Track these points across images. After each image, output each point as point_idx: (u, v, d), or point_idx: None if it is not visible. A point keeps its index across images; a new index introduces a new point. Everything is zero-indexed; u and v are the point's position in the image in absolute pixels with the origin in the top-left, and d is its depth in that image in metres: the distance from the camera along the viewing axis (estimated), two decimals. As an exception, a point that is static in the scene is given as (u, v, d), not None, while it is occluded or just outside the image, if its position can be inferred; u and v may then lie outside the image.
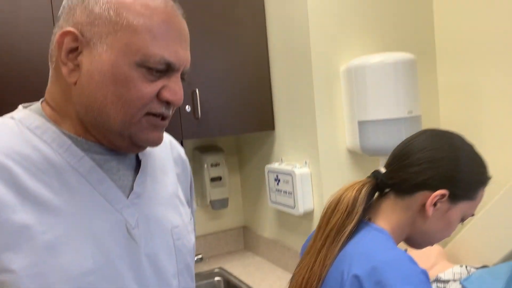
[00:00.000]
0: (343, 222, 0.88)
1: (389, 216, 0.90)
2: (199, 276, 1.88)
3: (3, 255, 0.56)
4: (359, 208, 0.88)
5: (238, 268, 1.92)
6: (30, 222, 0.58)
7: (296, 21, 1.59)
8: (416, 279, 0.77)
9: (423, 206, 0.87)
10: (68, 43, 0.63)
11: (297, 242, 1.74)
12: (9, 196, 0.58)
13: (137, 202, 0.70)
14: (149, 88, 0.64)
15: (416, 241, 0.94)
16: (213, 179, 1.97)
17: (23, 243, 0.57)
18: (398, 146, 0.94)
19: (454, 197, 0.87)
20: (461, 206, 0.89)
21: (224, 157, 2.02)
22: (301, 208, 1.60)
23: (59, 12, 0.67)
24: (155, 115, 0.66)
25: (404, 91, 1.46)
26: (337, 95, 1.57)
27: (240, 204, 2.17)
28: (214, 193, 1.98)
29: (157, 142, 0.69)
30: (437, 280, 1.37)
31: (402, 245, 0.95)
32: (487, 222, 1.44)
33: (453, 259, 1.52)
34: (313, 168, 1.59)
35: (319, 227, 0.92)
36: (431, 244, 0.94)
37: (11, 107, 0.71)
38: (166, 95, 0.65)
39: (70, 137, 0.66)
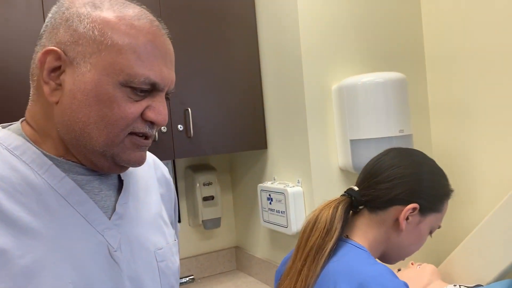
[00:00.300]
0: (322, 240, 0.89)
1: (365, 232, 0.94)
2: (190, 298, 1.85)
3: None
4: (338, 225, 0.90)
5: (230, 289, 1.89)
6: (7, 246, 0.56)
7: (288, 41, 1.61)
8: None
9: (396, 221, 0.92)
10: (50, 61, 0.62)
11: (290, 262, 1.72)
12: None
13: (120, 223, 0.68)
14: (133, 108, 0.63)
15: (390, 256, 0.97)
16: (205, 198, 1.96)
17: None
18: (367, 165, 0.99)
19: (424, 210, 0.92)
20: (430, 219, 0.94)
21: (217, 176, 2.01)
22: (294, 228, 1.59)
23: (42, 30, 0.67)
24: (138, 134, 0.66)
25: (395, 110, 1.47)
26: (329, 114, 1.58)
27: (232, 223, 2.15)
28: (206, 212, 1.96)
29: (140, 162, 0.68)
30: (431, 300, 1.36)
31: (394, 265, 0.95)
32: (479, 241, 1.43)
33: (447, 278, 1.51)
34: (306, 187, 1.59)
35: (297, 247, 0.94)
36: (403, 258, 0.99)
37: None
38: (151, 115, 0.65)
39: (50, 158, 0.65)
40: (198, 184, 1.95)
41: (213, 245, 2.10)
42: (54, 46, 0.63)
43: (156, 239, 0.74)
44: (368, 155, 1.47)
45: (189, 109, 1.64)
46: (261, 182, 1.80)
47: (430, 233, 0.98)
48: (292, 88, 1.61)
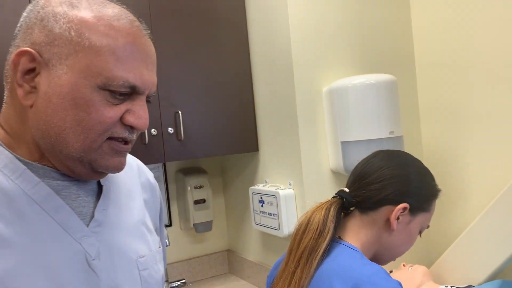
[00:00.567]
0: (315, 242, 0.90)
1: (357, 233, 0.94)
2: (182, 302, 1.84)
3: None
4: (331, 226, 0.91)
5: (222, 292, 1.88)
6: None
7: (279, 43, 1.61)
8: None
9: (387, 221, 0.93)
10: (24, 63, 0.60)
11: (282, 265, 1.72)
12: None
13: (99, 231, 0.66)
14: (112, 112, 0.61)
15: (382, 256, 0.98)
16: (196, 202, 1.95)
17: None
18: (356, 167, 1.00)
19: (413, 209, 0.94)
20: (419, 218, 0.96)
21: (208, 179, 2.00)
22: (286, 230, 1.58)
23: (16, 30, 0.64)
24: (117, 139, 0.63)
25: (385, 112, 1.48)
26: (320, 116, 1.58)
27: (224, 227, 2.14)
28: (198, 216, 1.95)
29: (119, 168, 0.66)
30: (423, 301, 1.36)
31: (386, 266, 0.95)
32: (470, 242, 1.44)
33: (438, 279, 1.52)
34: (297, 189, 1.58)
35: (290, 250, 0.94)
36: (394, 258, 1.00)
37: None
38: (130, 119, 0.62)
39: (24, 163, 0.62)
40: (189, 188, 1.94)
41: (204, 249, 2.08)
42: (28, 47, 0.60)
43: (138, 246, 0.72)
44: (359, 157, 1.47)
45: (180, 112, 1.63)
46: (252, 185, 1.80)
47: (420, 232, 0.99)
48: (283, 91, 1.61)
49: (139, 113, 0.63)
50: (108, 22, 0.61)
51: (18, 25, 0.64)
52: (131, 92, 0.63)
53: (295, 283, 0.88)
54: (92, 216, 0.66)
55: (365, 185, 0.94)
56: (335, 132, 1.53)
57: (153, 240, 0.77)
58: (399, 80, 1.57)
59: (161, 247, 0.81)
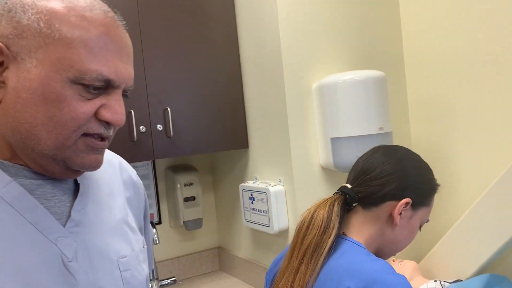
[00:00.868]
0: (320, 238, 0.89)
1: (360, 229, 0.94)
2: (172, 300, 1.83)
3: None
4: (335, 222, 0.90)
5: (213, 290, 1.88)
6: None
7: (268, 40, 1.60)
8: (407, 286, 0.81)
9: (390, 216, 0.93)
10: None
11: (273, 262, 1.72)
12: None
13: (76, 231, 0.63)
14: (85, 107, 0.58)
15: (384, 251, 0.98)
16: (186, 199, 1.94)
17: None
18: (357, 163, 1.00)
19: (415, 204, 0.94)
20: (420, 213, 0.97)
21: (198, 176, 1.99)
22: (276, 227, 1.58)
23: None
24: (92, 136, 0.61)
25: (375, 108, 1.48)
26: (310, 112, 1.58)
27: (214, 224, 2.13)
28: (188, 213, 1.94)
29: (95, 166, 0.63)
30: (413, 296, 1.37)
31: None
32: (458, 237, 1.45)
33: (428, 274, 1.53)
34: (288, 185, 1.58)
35: (293, 246, 0.93)
36: (395, 253, 1.00)
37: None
38: (105, 114, 0.60)
39: None
40: (178, 185, 1.92)
41: (195, 246, 2.08)
42: None
43: (120, 246, 0.69)
44: (349, 153, 1.48)
45: (169, 109, 1.62)
46: (243, 182, 1.79)
47: (420, 227, 1.00)
48: (273, 87, 1.60)
49: (114, 108, 0.61)
50: (80, 12, 0.58)
51: None
52: (106, 86, 0.60)
53: (300, 279, 0.88)
54: (69, 216, 0.63)
55: (368, 180, 0.93)
56: (324, 129, 1.53)
57: (137, 239, 0.74)
58: (388, 77, 1.57)
59: (146, 247, 0.78)
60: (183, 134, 1.66)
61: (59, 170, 0.61)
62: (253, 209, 1.69)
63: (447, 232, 1.49)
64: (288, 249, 0.95)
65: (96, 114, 0.60)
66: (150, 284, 1.76)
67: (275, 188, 1.59)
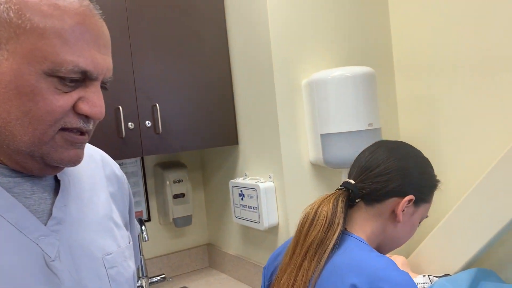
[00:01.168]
0: (324, 235, 0.88)
1: (362, 225, 0.94)
2: (162, 297, 1.82)
3: None
4: (340, 219, 0.89)
5: (203, 287, 1.87)
6: None
7: (258, 36, 1.59)
8: (409, 283, 0.81)
9: (392, 213, 0.93)
10: None
11: (263, 258, 1.72)
12: None
13: (58, 229, 0.61)
14: (62, 101, 0.56)
15: (385, 247, 0.98)
16: (176, 196, 1.93)
17: None
18: (359, 158, 0.98)
19: (417, 201, 0.94)
20: (421, 209, 0.97)
21: (187, 173, 1.98)
22: (266, 223, 1.58)
23: None
24: (71, 130, 0.59)
25: (364, 104, 1.48)
26: (300, 109, 1.58)
27: (204, 221, 2.12)
28: (177, 210, 1.93)
29: (75, 161, 0.61)
30: (402, 290, 1.38)
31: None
32: (447, 232, 1.47)
33: (417, 269, 1.54)
34: (278, 182, 1.58)
35: (296, 242, 0.92)
36: (395, 248, 1.00)
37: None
38: (84, 107, 0.58)
39: None
40: (168, 182, 1.91)
41: (184, 243, 2.07)
42: None
43: (105, 243, 0.67)
44: (339, 149, 1.49)
45: (157, 105, 1.60)
46: (232, 178, 1.79)
47: (419, 222, 1.00)
48: (263, 83, 1.60)
49: (93, 101, 0.58)
50: (52, 1, 0.56)
51: None
52: (83, 78, 0.58)
53: (302, 276, 0.87)
54: (50, 214, 0.62)
55: (372, 177, 0.92)
56: (314, 125, 1.53)
57: (122, 235, 0.73)
58: (377, 72, 1.58)
59: (132, 242, 0.77)
60: (172, 131, 1.64)
61: (37, 167, 0.59)
62: (243, 206, 1.69)
63: (435, 228, 1.51)
64: (290, 245, 0.94)
65: (74, 108, 0.58)
66: (140, 282, 1.75)
67: (265, 184, 1.58)
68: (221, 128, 1.75)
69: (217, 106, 1.74)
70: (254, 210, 1.62)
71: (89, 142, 0.74)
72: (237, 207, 1.73)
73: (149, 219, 1.98)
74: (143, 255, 1.79)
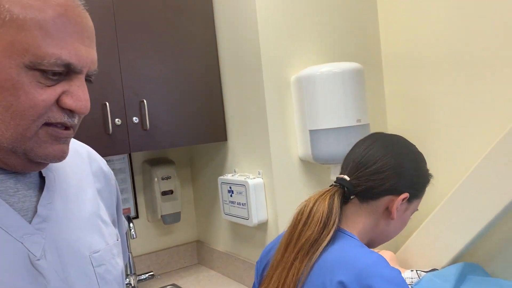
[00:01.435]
0: (319, 234, 0.87)
1: (354, 221, 0.93)
2: (150, 295, 1.81)
3: None
4: (336, 218, 0.88)
5: (192, 283, 1.86)
6: None
7: (246, 32, 1.58)
8: (399, 280, 0.80)
9: (386, 209, 0.92)
10: None
11: (252, 254, 1.71)
12: None
13: (44, 227, 0.60)
14: (45, 95, 0.54)
15: (376, 241, 0.98)
16: (164, 193, 1.91)
17: None
18: (353, 153, 0.95)
19: (411, 197, 0.94)
20: (414, 205, 0.97)
21: (176, 169, 1.96)
22: (255, 219, 1.58)
23: None
24: (55, 125, 0.57)
25: (353, 100, 1.49)
26: (289, 104, 1.57)
27: (193, 217, 2.11)
28: (166, 207, 1.92)
29: (60, 157, 0.59)
30: (390, 285, 1.39)
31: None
32: (434, 227, 1.48)
33: (405, 264, 1.55)
34: (267, 178, 1.58)
35: (289, 240, 0.90)
36: (385, 242, 1.00)
37: None
38: (68, 102, 0.56)
39: None
40: (156, 179, 1.90)
41: (173, 240, 2.06)
42: None
43: (92, 241, 0.66)
44: (327, 145, 1.49)
45: (145, 101, 1.58)
46: (221, 175, 1.78)
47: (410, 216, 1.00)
48: (251, 79, 1.59)
49: (77, 95, 0.57)
50: None
51: None
52: (67, 72, 0.56)
53: (293, 275, 0.86)
54: (35, 212, 0.60)
55: (368, 174, 0.91)
56: (303, 121, 1.53)
57: (110, 232, 0.71)
58: (365, 69, 1.58)
59: (120, 240, 0.75)
60: (160, 127, 1.63)
61: (20, 163, 0.58)
62: (232, 202, 1.68)
63: (423, 223, 1.52)
64: (282, 241, 0.92)
65: (58, 102, 0.56)
66: (128, 279, 1.73)
67: (254, 180, 1.58)
68: (209, 124, 1.74)
69: (205, 102, 1.73)
70: (243, 207, 1.62)
71: (75, 139, 0.73)
72: (226, 203, 1.73)
73: (137, 216, 1.96)
74: (131, 253, 1.77)
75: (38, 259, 0.58)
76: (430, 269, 1.43)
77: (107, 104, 1.51)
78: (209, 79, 1.74)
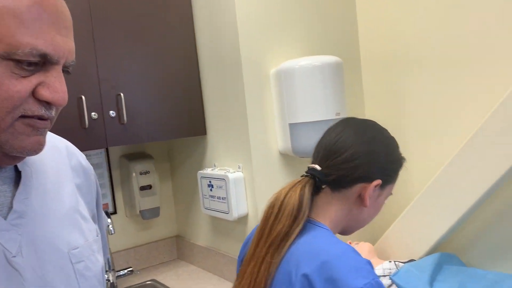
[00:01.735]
0: (289, 228, 0.85)
1: (326, 210, 0.91)
2: (130, 291, 1.79)
3: None
4: (306, 210, 0.86)
5: (172, 278, 1.85)
6: None
7: (225, 25, 1.57)
8: (365, 269, 0.78)
9: (358, 197, 0.91)
10: None
11: (232, 248, 1.71)
12: None
13: (20, 223, 0.58)
14: (20, 86, 0.52)
15: (350, 228, 0.97)
16: (142, 188, 1.89)
17: None
18: (324, 141, 0.94)
19: (384, 183, 0.92)
20: (387, 190, 0.95)
21: (154, 164, 1.94)
22: (235, 213, 1.57)
23: None
24: (32, 117, 0.55)
25: (332, 94, 1.49)
26: (268, 98, 1.57)
27: (172, 212, 2.09)
28: (144, 202, 1.89)
29: (36, 149, 0.57)
30: (369, 276, 1.41)
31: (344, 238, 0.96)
32: (411, 219, 1.51)
33: (383, 255, 1.58)
34: (247, 172, 1.57)
35: (260, 234, 0.89)
36: (360, 228, 0.99)
37: None
38: (44, 93, 0.54)
39: None
40: (134, 174, 1.87)
41: (152, 235, 2.03)
42: None
43: (71, 237, 0.65)
44: (307, 138, 1.49)
45: (122, 94, 1.55)
46: (201, 169, 1.77)
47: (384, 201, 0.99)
48: (231, 72, 1.58)
49: (54, 86, 0.55)
50: None
51: None
52: (43, 62, 0.54)
53: (265, 269, 0.85)
54: (11, 207, 0.58)
55: (339, 162, 0.88)
56: (283, 114, 1.53)
57: (89, 228, 0.70)
58: (344, 63, 1.59)
59: (100, 235, 0.74)
60: (138, 121, 1.60)
61: None
62: (212, 197, 1.67)
63: (400, 215, 1.54)
64: (255, 236, 0.91)
65: (34, 94, 0.54)
66: (106, 276, 1.71)
67: (234, 174, 1.57)
68: (188, 118, 1.72)
69: (184, 96, 1.70)
70: (223, 201, 1.61)
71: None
72: (206, 198, 1.72)
73: (115, 212, 1.93)
74: (109, 248, 1.75)
75: (14, 256, 0.56)
76: (408, 259, 1.46)
77: (83, 97, 1.47)
78: (188, 72, 1.72)
